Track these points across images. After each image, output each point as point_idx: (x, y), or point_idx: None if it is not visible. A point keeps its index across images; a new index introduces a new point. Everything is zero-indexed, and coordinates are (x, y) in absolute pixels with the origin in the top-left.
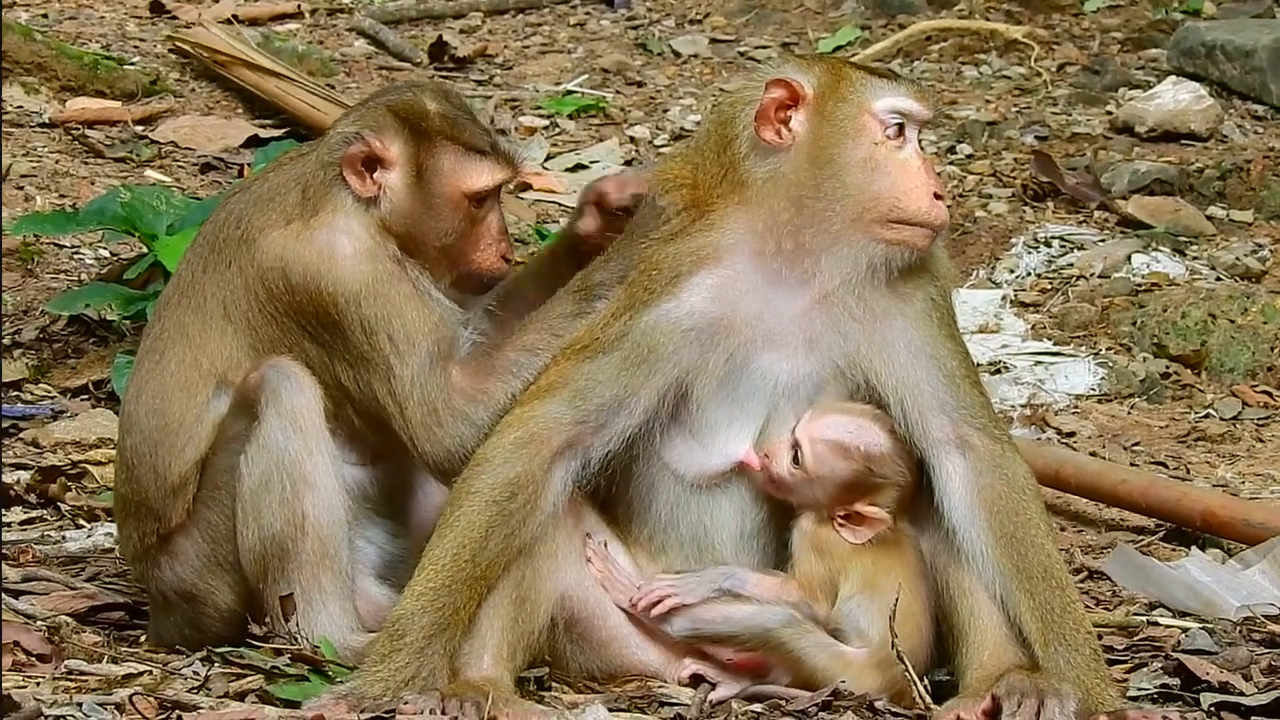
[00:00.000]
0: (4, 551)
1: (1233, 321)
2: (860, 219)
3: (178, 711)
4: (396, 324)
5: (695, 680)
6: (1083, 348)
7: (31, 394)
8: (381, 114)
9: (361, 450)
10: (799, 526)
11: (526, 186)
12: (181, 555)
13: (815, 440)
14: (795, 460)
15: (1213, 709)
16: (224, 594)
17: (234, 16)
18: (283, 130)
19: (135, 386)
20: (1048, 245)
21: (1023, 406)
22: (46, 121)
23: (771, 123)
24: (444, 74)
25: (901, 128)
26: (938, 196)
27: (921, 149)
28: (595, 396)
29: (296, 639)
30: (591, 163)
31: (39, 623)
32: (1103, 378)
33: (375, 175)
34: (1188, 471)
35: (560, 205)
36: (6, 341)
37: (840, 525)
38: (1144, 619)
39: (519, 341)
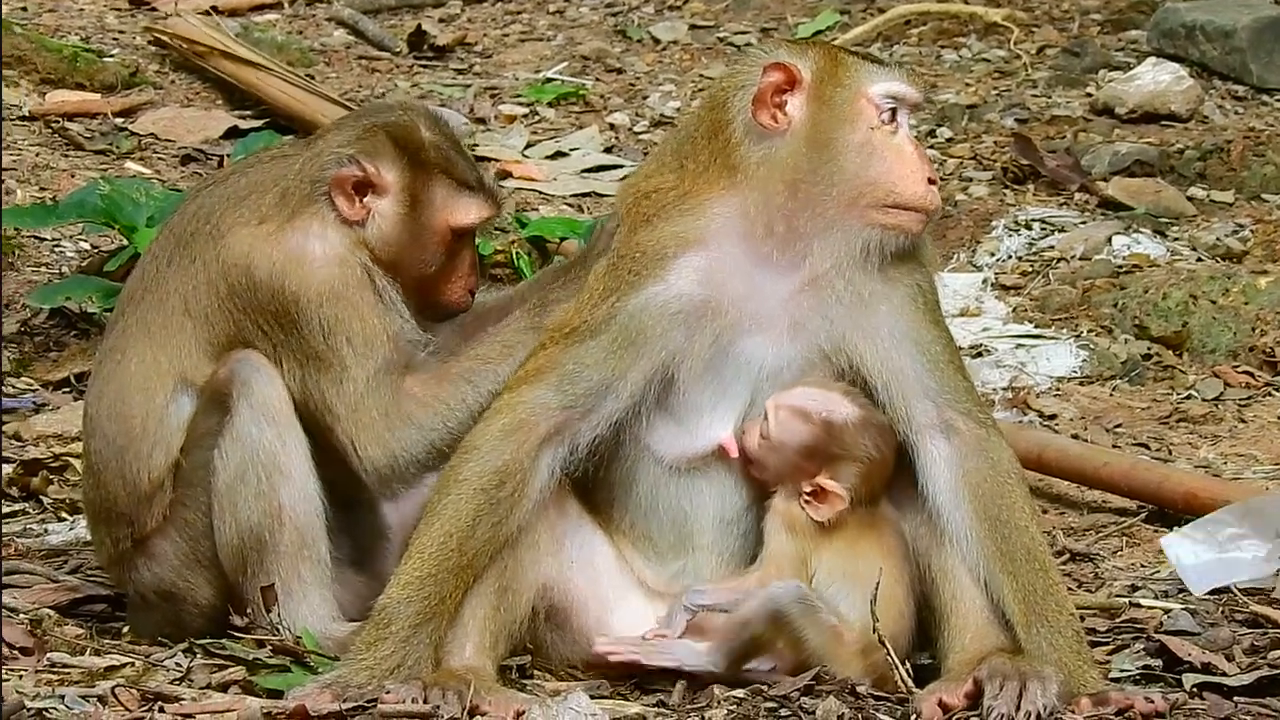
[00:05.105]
0: None
1: (1214, 302)
2: (855, 203)
3: (160, 703)
4: (357, 326)
5: None
6: (1064, 330)
7: (13, 387)
8: (380, 140)
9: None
10: (773, 505)
11: (506, 175)
12: (159, 556)
13: (780, 406)
14: (764, 433)
15: (1195, 689)
16: (204, 590)
17: (213, 7)
18: (262, 121)
19: (97, 388)
20: (1028, 228)
21: (1004, 389)
22: (26, 114)
23: (768, 106)
24: (423, 63)
25: (895, 112)
26: (931, 181)
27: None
28: (582, 381)
29: (278, 630)
30: (571, 150)
31: (21, 616)
32: (1084, 360)
33: (365, 200)
34: (1170, 453)
35: (540, 193)
36: None
37: (806, 502)
38: (1126, 600)
39: (474, 352)
